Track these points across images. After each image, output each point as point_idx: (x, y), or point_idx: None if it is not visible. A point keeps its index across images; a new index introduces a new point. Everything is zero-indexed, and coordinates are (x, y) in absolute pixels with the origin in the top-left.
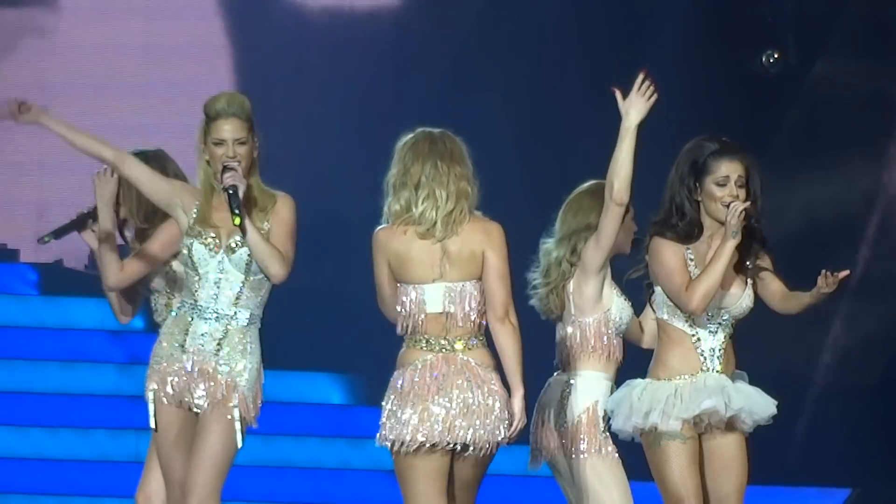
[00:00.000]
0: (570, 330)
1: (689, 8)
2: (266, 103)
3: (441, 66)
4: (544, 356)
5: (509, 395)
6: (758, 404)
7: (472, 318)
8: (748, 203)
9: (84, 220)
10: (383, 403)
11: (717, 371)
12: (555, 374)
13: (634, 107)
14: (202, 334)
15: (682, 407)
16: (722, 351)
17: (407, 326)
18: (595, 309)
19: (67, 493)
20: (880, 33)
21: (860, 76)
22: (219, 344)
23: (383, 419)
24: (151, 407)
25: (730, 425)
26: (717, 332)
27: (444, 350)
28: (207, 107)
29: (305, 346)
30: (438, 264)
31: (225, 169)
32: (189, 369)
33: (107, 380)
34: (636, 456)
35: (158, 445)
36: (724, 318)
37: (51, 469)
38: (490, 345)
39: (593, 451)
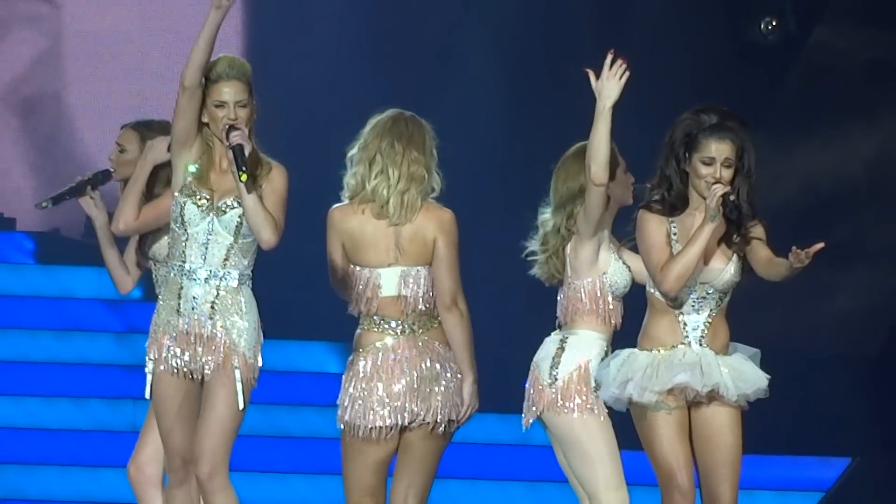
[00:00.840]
0: (567, 291)
1: None
2: (264, 66)
3: (432, 39)
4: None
5: None
6: (743, 379)
7: (429, 300)
8: (728, 188)
9: (83, 187)
10: (344, 384)
11: (701, 345)
12: (552, 333)
13: (607, 88)
14: (194, 297)
15: (657, 380)
16: (708, 325)
17: (362, 309)
18: (591, 272)
19: (64, 463)
20: (879, 1)
21: (859, 44)
22: (212, 306)
23: (345, 402)
24: (150, 377)
25: (716, 399)
26: (701, 306)
27: (404, 333)
28: (209, 69)
29: (301, 314)
30: (393, 248)
31: (231, 128)
32: (186, 332)
33: (104, 349)
34: (626, 425)
35: (158, 415)
36: (709, 291)
37: (48, 439)
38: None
39: (586, 408)
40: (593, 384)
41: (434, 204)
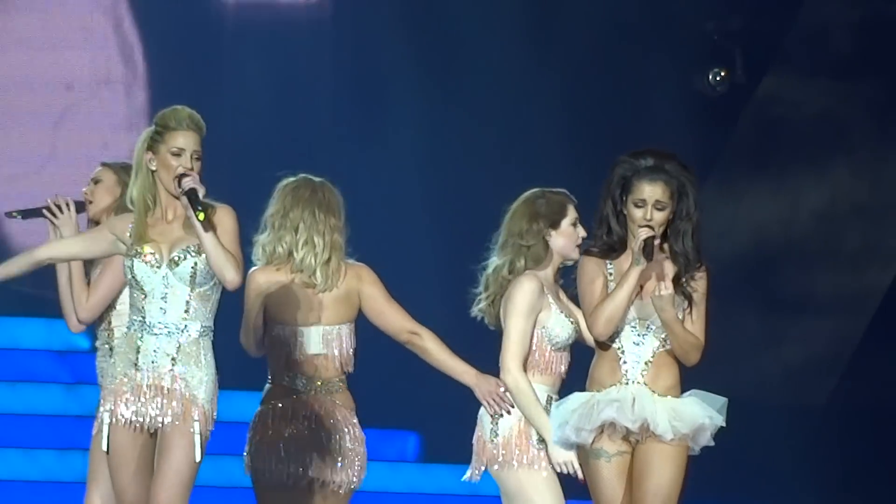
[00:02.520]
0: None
1: (636, 25)
2: (185, 101)
3: (360, 62)
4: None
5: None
6: (680, 419)
7: (344, 360)
8: (652, 232)
9: (56, 210)
10: (250, 434)
11: (640, 383)
12: None
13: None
14: (154, 350)
15: (588, 420)
16: (649, 363)
17: (276, 366)
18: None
19: None
20: (827, 51)
21: (807, 95)
22: (173, 360)
23: (251, 450)
24: (105, 428)
25: (652, 437)
26: (642, 343)
27: (313, 392)
28: (166, 118)
29: (253, 364)
30: (317, 308)
31: (182, 175)
32: (144, 387)
33: (53, 400)
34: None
35: (112, 468)
36: (649, 328)
37: None
38: (350, 388)
39: (524, 463)
40: (534, 437)
41: (350, 262)
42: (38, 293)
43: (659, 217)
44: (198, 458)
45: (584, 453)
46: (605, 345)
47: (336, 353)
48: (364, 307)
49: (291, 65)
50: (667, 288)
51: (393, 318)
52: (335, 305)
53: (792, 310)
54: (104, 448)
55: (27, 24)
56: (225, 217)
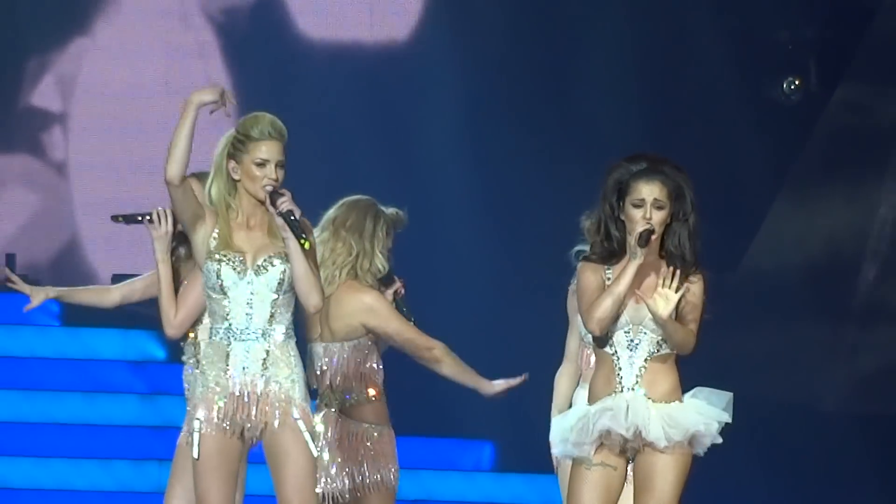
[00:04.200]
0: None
1: (710, 36)
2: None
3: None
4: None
5: None
6: (674, 425)
7: (346, 377)
8: (649, 225)
9: (156, 218)
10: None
11: (636, 390)
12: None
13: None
14: (244, 356)
15: (586, 434)
16: (643, 370)
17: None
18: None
19: None
20: None
21: (880, 102)
22: (263, 364)
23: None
24: (196, 436)
25: (649, 445)
26: (636, 349)
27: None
28: (248, 125)
29: None
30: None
31: (274, 194)
32: (238, 394)
33: (128, 410)
34: None
35: (198, 473)
36: (643, 333)
37: (73, 500)
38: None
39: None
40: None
41: (357, 284)
42: None
43: (658, 216)
44: (315, 454)
45: (574, 461)
46: (603, 355)
47: (334, 370)
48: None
49: (377, 100)
50: (671, 297)
51: (408, 349)
52: (326, 322)
53: (865, 319)
54: (195, 455)
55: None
56: (311, 237)
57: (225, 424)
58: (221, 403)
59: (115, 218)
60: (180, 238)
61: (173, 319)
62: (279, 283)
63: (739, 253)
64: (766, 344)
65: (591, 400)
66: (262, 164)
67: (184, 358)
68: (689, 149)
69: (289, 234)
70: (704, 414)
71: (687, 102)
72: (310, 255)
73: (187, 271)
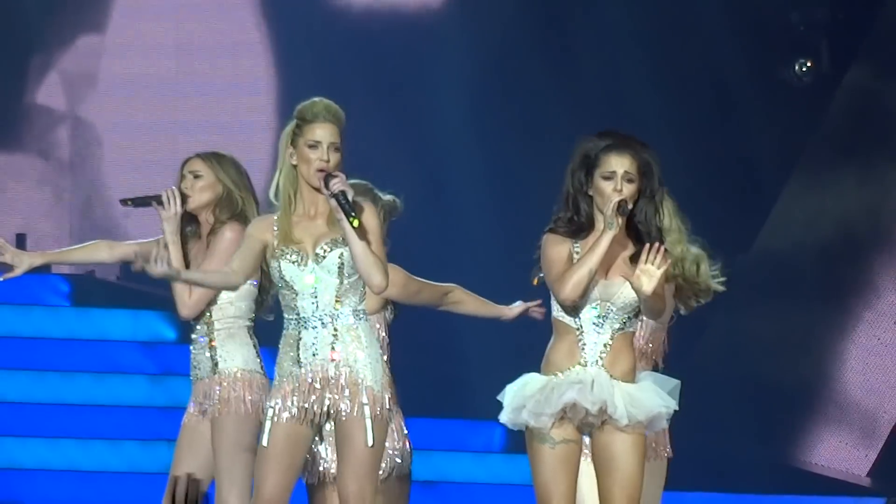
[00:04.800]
0: None
1: (722, 18)
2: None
3: (481, 66)
4: None
5: None
6: (636, 405)
7: None
8: (623, 196)
9: (165, 200)
10: None
11: (599, 366)
12: None
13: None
14: (313, 343)
15: (548, 404)
16: (608, 346)
17: None
18: None
19: None
20: None
21: (892, 83)
22: (332, 348)
23: None
24: (268, 424)
25: (609, 423)
26: (602, 325)
27: None
28: (303, 111)
29: None
30: None
31: (328, 177)
32: (309, 381)
33: (138, 391)
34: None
35: (260, 459)
36: (610, 310)
37: (82, 480)
38: None
39: None
40: None
41: None
42: (123, 284)
43: (628, 190)
44: (370, 443)
45: (529, 436)
46: (564, 327)
47: None
48: None
49: (414, 66)
50: (654, 272)
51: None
52: None
53: (876, 299)
54: (264, 443)
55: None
56: (369, 218)
57: (294, 411)
58: (293, 391)
59: (124, 202)
60: (188, 217)
61: (188, 300)
62: (339, 269)
63: (752, 234)
64: (777, 324)
65: (549, 370)
66: (314, 146)
67: (193, 336)
68: (701, 131)
69: (342, 216)
70: (662, 398)
71: (699, 84)
72: (371, 236)
73: (197, 251)
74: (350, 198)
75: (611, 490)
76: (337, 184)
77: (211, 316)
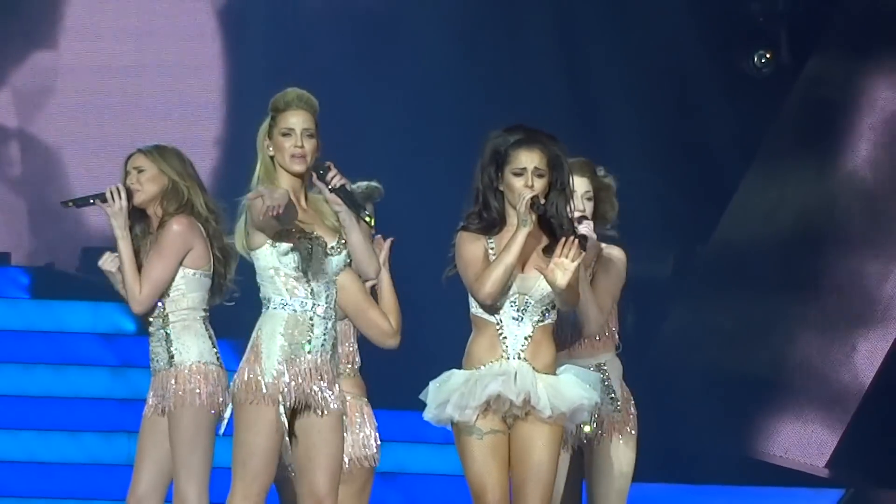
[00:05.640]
0: None
1: (681, 8)
2: (265, 87)
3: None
4: None
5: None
6: (559, 397)
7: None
8: (535, 192)
9: (109, 196)
10: None
11: (521, 358)
12: None
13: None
14: (323, 334)
15: (472, 397)
16: (528, 340)
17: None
18: None
19: (59, 497)
20: (871, 32)
21: (851, 75)
22: (333, 346)
23: None
24: (282, 409)
25: (532, 414)
26: (522, 319)
27: None
28: (276, 101)
29: None
30: None
31: (320, 169)
32: (315, 369)
33: (98, 383)
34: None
35: (258, 448)
36: (529, 303)
37: (42, 472)
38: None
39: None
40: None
41: None
42: (83, 276)
43: (539, 185)
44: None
45: (457, 430)
46: (483, 323)
47: None
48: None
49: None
50: (569, 266)
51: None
52: None
53: (835, 291)
54: (284, 423)
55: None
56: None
57: (296, 398)
58: (297, 379)
59: (65, 203)
60: (135, 216)
61: (139, 295)
62: (339, 269)
63: (710, 226)
64: (736, 316)
65: (471, 365)
66: (287, 134)
67: (150, 329)
68: (660, 121)
69: (342, 208)
70: (585, 390)
71: (659, 74)
72: (362, 226)
73: (146, 249)
74: (349, 188)
75: (524, 481)
76: (335, 178)
77: (165, 308)
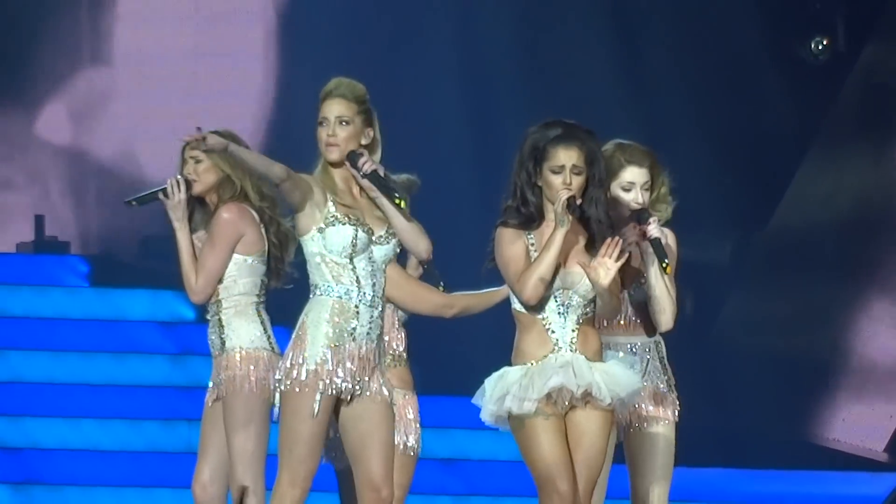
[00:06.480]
0: None
1: None
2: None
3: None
4: None
5: None
6: (615, 382)
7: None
8: (572, 192)
9: (170, 190)
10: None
11: (572, 350)
12: None
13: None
14: (368, 323)
15: (533, 389)
16: (576, 332)
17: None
18: None
19: (120, 485)
20: None
21: None
22: (378, 336)
23: None
24: (318, 396)
25: (591, 403)
26: (566, 313)
27: None
28: (321, 93)
29: None
30: None
31: (353, 156)
32: (359, 357)
33: (158, 371)
34: None
35: (304, 434)
36: (573, 298)
37: (103, 460)
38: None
39: None
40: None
41: None
42: (142, 264)
43: (577, 182)
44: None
45: (517, 421)
46: (529, 319)
47: None
48: None
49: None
50: (611, 266)
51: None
52: None
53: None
54: (315, 411)
55: None
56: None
57: (342, 386)
58: (348, 365)
59: (128, 203)
60: (196, 204)
61: (195, 285)
62: (389, 260)
63: (768, 212)
64: (794, 301)
65: (523, 360)
66: (322, 124)
67: (207, 317)
68: (718, 109)
69: (378, 194)
70: (634, 373)
71: (715, 63)
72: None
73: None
74: (383, 173)
75: (575, 464)
76: (366, 164)
77: (218, 295)
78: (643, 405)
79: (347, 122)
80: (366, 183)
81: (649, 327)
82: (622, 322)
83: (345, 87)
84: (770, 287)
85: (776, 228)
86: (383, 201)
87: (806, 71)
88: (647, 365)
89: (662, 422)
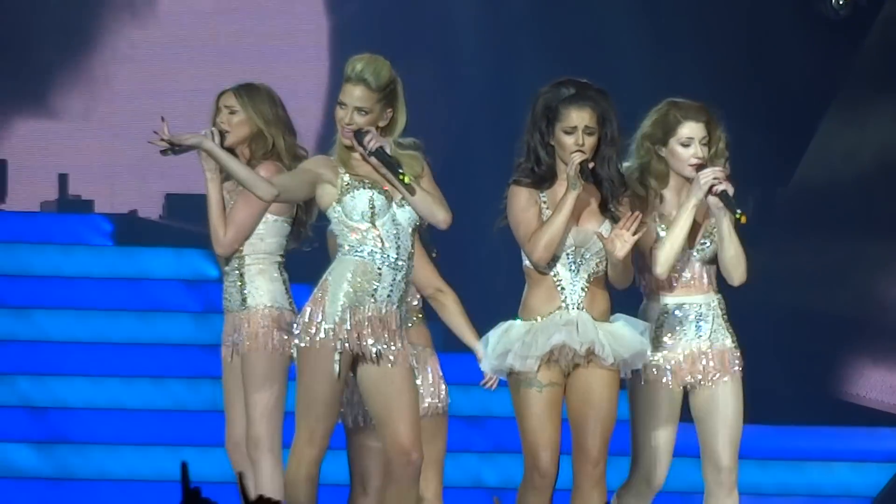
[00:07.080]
0: None
1: None
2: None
3: None
4: None
5: None
6: (620, 343)
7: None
8: (585, 155)
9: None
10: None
11: (579, 309)
12: None
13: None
14: (390, 284)
15: (536, 346)
16: (585, 290)
17: None
18: None
19: (144, 443)
20: None
21: None
22: (400, 300)
23: None
24: (337, 356)
25: (594, 362)
26: (577, 271)
27: None
28: (346, 65)
29: None
30: None
31: (359, 134)
32: (380, 319)
33: (182, 329)
34: None
35: (324, 394)
36: (585, 255)
37: (128, 419)
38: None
39: None
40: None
41: None
42: (166, 223)
43: (590, 142)
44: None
45: (515, 381)
46: (538, 275)
47: None
48: None
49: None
50: (628, 238)
51: (422, 273)
52: None
53: None
54: (336, 371)
55: None
56: (413, 164)
57: (358, 349)
58: (365, 327)
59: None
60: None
61: (223, 238)
62: (417, 223)
63: (790, 168)
64: (818, 257)
65: (529, 316)
66: (341, 106)
67: (226, 269)
68: (738, 65)
69: (385, 171)
70: (641, 335)
71: (735, 19)
72: (423, 181)
73: (233, 186)
74: (388, 151)
75: (586, 417)
76: (371, 141)
77: (243, 251)
78: (709, 363)
79: (367, 112)
80: (373, 160)
81: (714, 284)
82: (692, 281)
83: (370, 72)
84: (793, 243)
85: (798, 184)
86: (391, 178)
87: (827, 26)
88: (712, 322)
89: (730, 377)
